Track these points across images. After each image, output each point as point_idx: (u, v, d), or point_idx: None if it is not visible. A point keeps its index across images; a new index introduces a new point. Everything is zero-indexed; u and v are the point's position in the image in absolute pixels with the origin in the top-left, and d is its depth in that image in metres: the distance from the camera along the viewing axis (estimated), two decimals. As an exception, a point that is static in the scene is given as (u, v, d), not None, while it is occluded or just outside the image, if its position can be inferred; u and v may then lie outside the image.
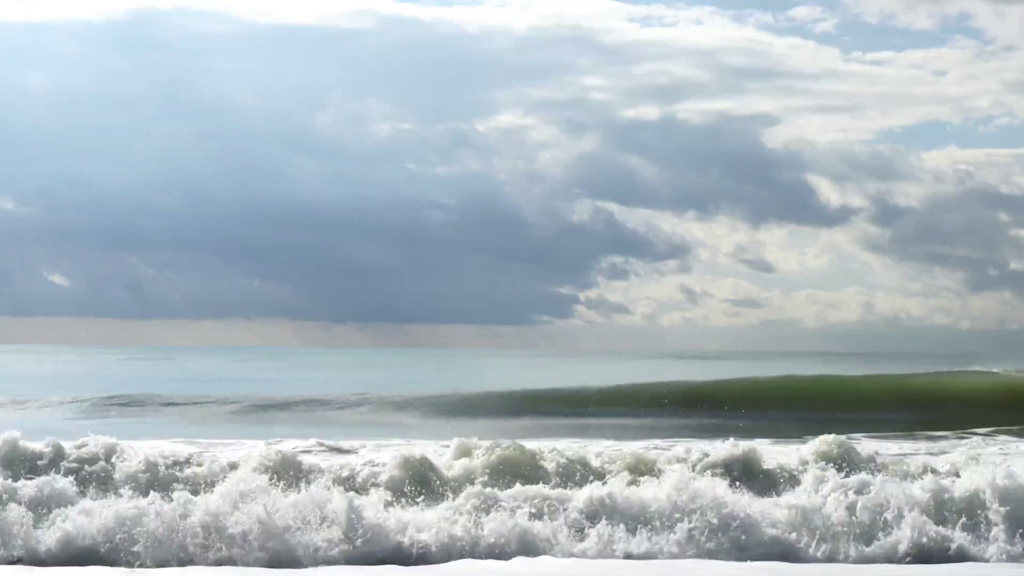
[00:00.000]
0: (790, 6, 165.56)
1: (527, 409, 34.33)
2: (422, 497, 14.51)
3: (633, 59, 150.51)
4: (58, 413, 34.87)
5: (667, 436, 23.24)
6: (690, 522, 13.90)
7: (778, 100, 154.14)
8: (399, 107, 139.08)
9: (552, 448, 16.44)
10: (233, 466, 15.10)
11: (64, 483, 14.25)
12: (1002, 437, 26.15)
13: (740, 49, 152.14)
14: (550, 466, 15.82)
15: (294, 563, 12.97)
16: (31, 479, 14.27)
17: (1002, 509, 14.17)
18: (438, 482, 15.22)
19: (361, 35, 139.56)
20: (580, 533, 13.84)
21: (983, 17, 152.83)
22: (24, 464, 15.22)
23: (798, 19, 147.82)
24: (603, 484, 14.62)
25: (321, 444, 19.34)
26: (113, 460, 15.38)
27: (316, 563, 13.01)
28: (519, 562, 13.09)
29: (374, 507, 13.85)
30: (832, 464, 15.66)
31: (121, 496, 13.87)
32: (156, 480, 14.83)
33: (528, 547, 13.49)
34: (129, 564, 12.96)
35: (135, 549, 13.12)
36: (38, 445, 15.58)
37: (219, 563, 13.02)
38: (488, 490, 14.42)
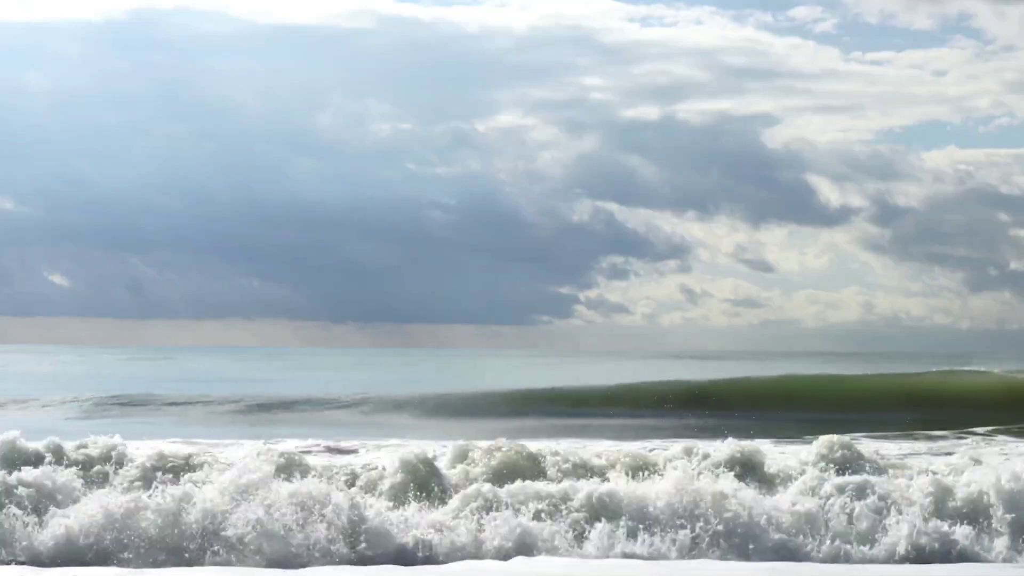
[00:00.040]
0: (790, 6, 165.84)
1: (527, 409, 34.32)
2: (422, 497, 14.50)
3: (633, 59, 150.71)
4: (59, 413, 34.88)
5: (667, 436, 23.22)
6: (691, 522, 13.91)
7: (778, 100, 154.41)
8: (399, 107, 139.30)
9: (552, 448, 16.42)
10: (232, 466, 15.07)
11: (63, 483, 14.24)
12: (1001, 438, 26.15)
13: (740, 49, 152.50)
14: (550, 466, 15.81)
15: (294, 563, 12.96)
16: (29, 479, 14.24)
17: (1005, 511, 14.17)
18: (438, 482, 15.21)
19: (361, 35, 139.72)
20: (580, 533, 13.85)
21: (983, 17, 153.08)
22: (24, 464, 15.19)
23: (798, 19, 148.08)
24: (603, 484, 14.61)
25: (321, 444, 19.34)
26: (113, 460, 15.36)
27: (316, 563, 13.01)
28: (519, 562, 13.10)
29: (374, 507, 13.85)
30: (833, 465, 15.64)
31: (121, 496, 13.85)
32: (156, 480, 14.80)
33: (528, 547, 13.49)
34: (128, 564, 12.96)
35: (133, 548, 13.13)
36: (38, 445, 15.57)
37: (218, 563, 13.02)
38: (488, 490, 14.41)
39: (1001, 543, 13.91)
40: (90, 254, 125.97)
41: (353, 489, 14.18)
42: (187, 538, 13.26)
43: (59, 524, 13.35)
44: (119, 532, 13.27)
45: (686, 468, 14.88)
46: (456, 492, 14.65)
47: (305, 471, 14.61)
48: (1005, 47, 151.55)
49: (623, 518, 13.97)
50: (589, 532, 13.84)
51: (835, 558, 13.72)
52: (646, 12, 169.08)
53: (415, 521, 13.79)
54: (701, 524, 13.89)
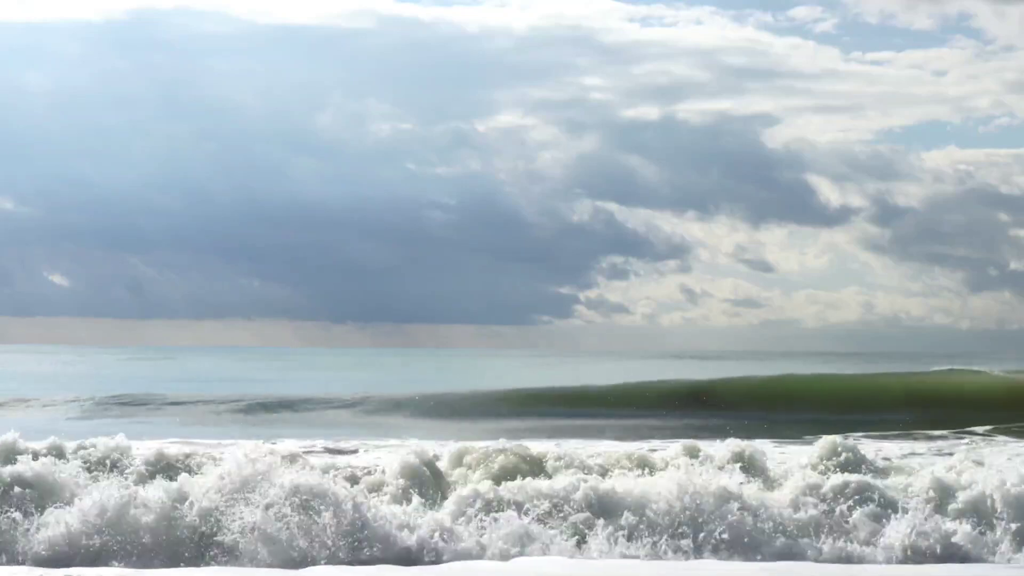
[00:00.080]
0: (790, 6, 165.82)
1: (527, 409, 34.34)
2: (422, 497, 14.51)
3: (633, 59, 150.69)
4: (60, 413, 34.90)
5: (667, 436, 23.24)
6: (691, 522, 13.91)
7: (778, 100, 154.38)
8: (399, 107, 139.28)
9: (552, 448, 16.43)
10: (229, 465, 15.03)
11: (63, 482, 14.23)
12: (1001, 438, 26.17)
13: (740, 49, 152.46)
14: (550, 466, 15.81)
15: (293, 563, 12.97)
16: (28, 478, 14.23)
17: (1007, 511, 14.18)
18: (438, 482, 15.23)
19: (361, 35, 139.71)
20: (581, 533, 13.85)
21: (983, 17, 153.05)
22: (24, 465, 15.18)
23: (798, 19, 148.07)
24: (604, 484, 14.61)
25: (321, 444, 19.36)
26: (116, 460, 15.37)
27: (315, 563, 13.01)
28: (519, 562, 13.10)
29: (374, 507, 13.85)
30: (834, 465, 15.65)
31: (120, 495, 13.84)
32: (156, 480, 14.81)
33: (528, 547, 13.50)
34: (128, 563, 12.97)
35: (132, 547, 13.14)
36: (39, 445, 15.57)
37: (217, 563, 13.02)
38: (488, 490, 14.42)
39: (1001, 543, 13.91)
40: (90, 254, 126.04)
41: (353, 489, 14.18)
42: (185, 537, 13.27)
43: (58, 524, 13.35)
44: (118, 532, 13.28)
45: (686, 468, 14.89)
46: (456, 492, 14.66)
47: (304, 471, 14.59)
48: (1005, 47, 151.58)
49: (623, 518, 13.98)
50: (589, 532, 13.85)
51: (835, 558, 13.72)
52: (646, 12, 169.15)
53: (415, 521, 13.78)
54: (701, 524, 13.90)
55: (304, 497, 13.49)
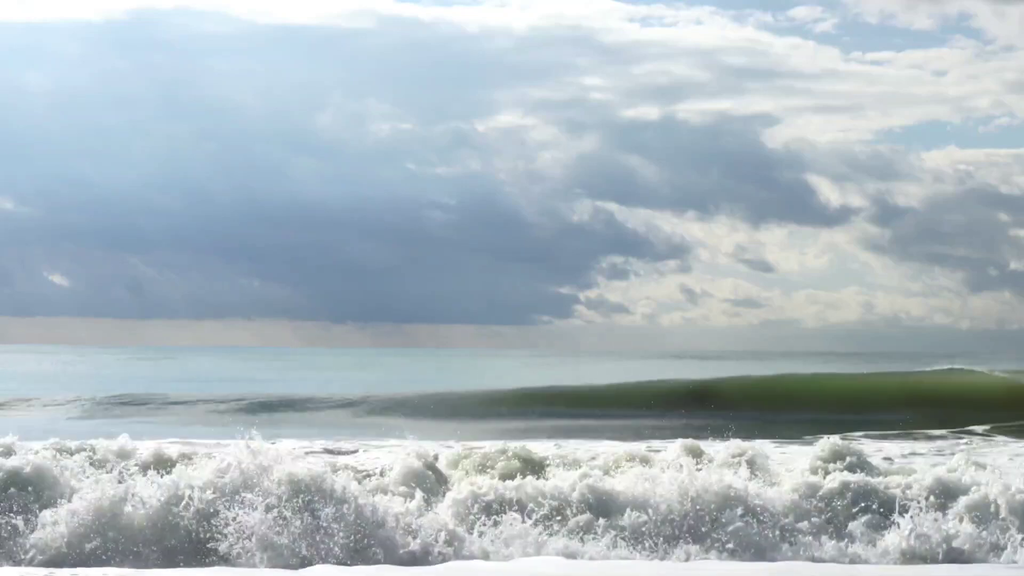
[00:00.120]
0: (790, 6, 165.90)
1: (527, 409, 34.36)
2: (422, 497, 14.51)
3: (633, 59, 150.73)
4: (60, 413, 34.92)
5: (667, 436, 23.25)
6: (691, 522, 13.93)
7: (778, 100, 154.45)
8: (399, 107, 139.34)
9: (553, 449, 16.45)
10: (227, 463, 15.03)
11: (62, 484, 14.24)
12: (1000, 437, 26.18)
13: (740, 49, 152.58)
14: (550, 466, 15.83)
15: (292, 562, 12.97)
16: (29, 480, 14.25)
17: (1007, 511, 14.19)
18: (438, 482, 15.24)
19: (361, 35, 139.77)
20: (581, 533, 13.86)
21: (983, 17, 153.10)
22: (24, 466, 15.19)
23: (798, 19, 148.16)
24: (604, 484, 14.62)
25: (321, 444, 19.36)
26: (115, 459, 15.37)
27: (314, 562, 13.02)
28: (519, 562, 13.11)
29: (373, 507, 13.85)
30: (834, 465, 15.65)
31: (119, 495, 13.85)
32: (154, 480, 14.81)
33: (529, 547, 13.51)
34: (127, 563, 12.98)
35: (131, 547, 13.16)
36: (39, 446, 15.57)
37: (217, 562, 13.03)
38: (488, 491, 14.43)
39: (1002, 543, 13.91)
40: (90, 254, 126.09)
41: (352, 489, 14.18)
42: (184, 536, 13.29)
43: (56, 524, 13.37)
44: (118, 531, 13.29)
45: (687, 468, 14.90)
46: (456, 492, 14.66)
47: (304, 469, 14.60)
48: (1005, 47, 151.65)
49: (623, 518, 13.99)
50: (589, 533, 13.85)
51: (835, 558, 13.73)
52: (646, 12, 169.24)
53: (415, 521, 13.79)
54: (702, 524, 13.91)
55: (305, 497, 13.50)
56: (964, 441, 24.71)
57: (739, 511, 14.04)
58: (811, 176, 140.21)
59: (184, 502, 13.51)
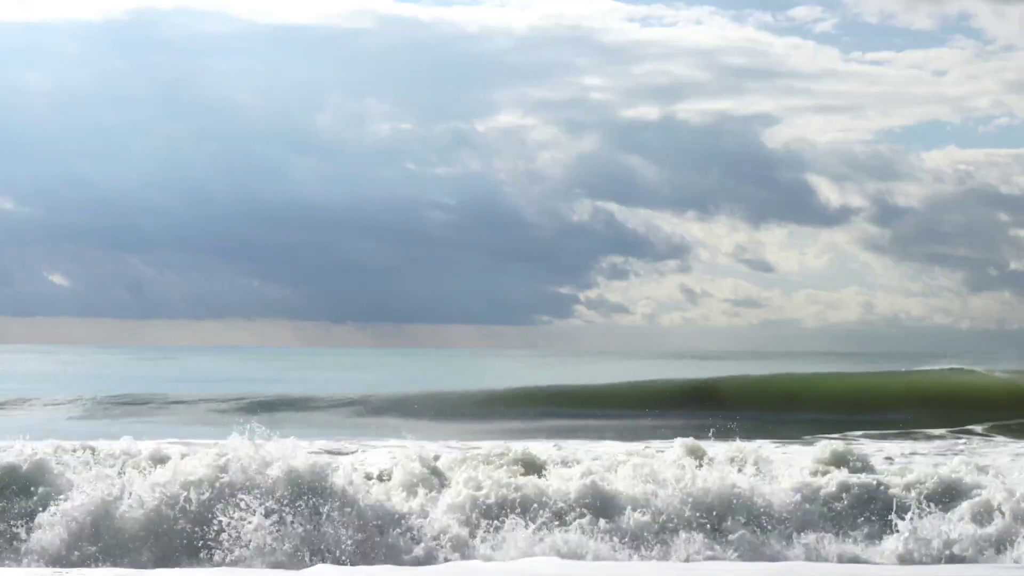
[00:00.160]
0: (790, 6, 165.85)
1: (527, 409, 34.37)
2: (422, 497, 14.51)
3: (633, 59, 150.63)
4: (61, 412, 34.94)
5: (667, 436, 23.25)
6: (691, 522, 13.93)
7: (778, 100, 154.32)
8: (399, 107, 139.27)
9: (553, 449, 16.45)
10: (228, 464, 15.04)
11: (62, 482, 14.24)
12: (999, 437, 26.19)
13: (740, 49, 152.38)
14: (551, 466, 15.83)
15: (292, 562, 12.97)
16: (29, 480, 14.25)
17: (1007, 511, 14.19)
18: (438, 483, 15.23)
19: (361, 35, 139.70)
20: (582, 534, 13.86)
21: (983, 17, 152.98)
22: (23, 467, 15.18)
23: (798, 19, 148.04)
24: (604, 484, 14.62)
25: (321, 444, 19.36)
26: (116, 459, 15.37)
27: (314, 562, 13.02)
28: (519, 562, 13.11)
29: (373, 507, 13.86)
30: (834, 465, 15.66)
31: (119, 495, 13.84)
32: (153, 479, 14.81)
33: (529, 548, 13.51)
34: (127, 563, 12.99)
35: (130, 546, 13.16)
36: (39, 446, 15.56)
37: (216, 562, 13.03)
38: (489, 491, 14.43)
39: (1006, 545, 13.91)
40: (90, 254, 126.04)
41: (357, 482, 14.18)
42: (183, 536, 13.29)
43: (54, 525, 13.36)
44: (117, 531, 13.30)
45: (687, 468, 14.90)
46: (456, 493, 14.66)
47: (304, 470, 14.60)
48: (1005, 47, 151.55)
49: (624, 518, 13.99)
50: (590, 533, 13.85)
51: (836, 558, 13.74)
52: (646, 12, 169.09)
53: (415, 521, 13.80)
54: (702, 524, 13.91)
55: (307, 498, 13.49)
56: (964, 441, 24.71)
57: (740, 511, 14.04)
58: (811, 176, 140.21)
59: (181, 504, 13.51)
